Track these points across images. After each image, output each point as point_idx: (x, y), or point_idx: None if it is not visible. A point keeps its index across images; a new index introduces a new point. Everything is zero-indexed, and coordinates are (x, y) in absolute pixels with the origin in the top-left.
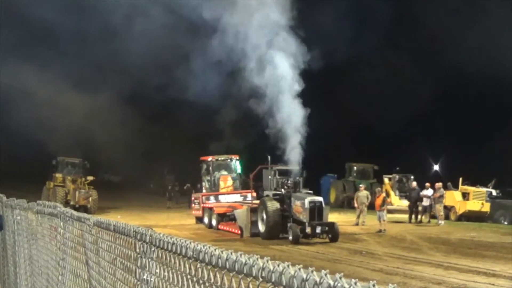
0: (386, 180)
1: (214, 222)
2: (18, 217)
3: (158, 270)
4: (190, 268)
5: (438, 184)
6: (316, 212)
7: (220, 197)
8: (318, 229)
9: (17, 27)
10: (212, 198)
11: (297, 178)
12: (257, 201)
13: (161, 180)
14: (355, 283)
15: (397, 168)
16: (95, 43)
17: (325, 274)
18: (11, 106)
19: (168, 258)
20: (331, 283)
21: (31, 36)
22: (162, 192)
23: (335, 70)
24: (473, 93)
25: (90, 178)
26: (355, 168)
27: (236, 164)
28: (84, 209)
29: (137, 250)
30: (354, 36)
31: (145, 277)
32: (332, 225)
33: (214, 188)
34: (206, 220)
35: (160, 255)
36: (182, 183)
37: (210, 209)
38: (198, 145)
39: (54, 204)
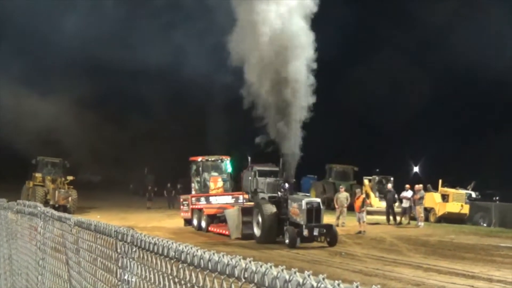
0: (366, 181)
1: (203, 224)
2: None
3: (139, 271)
4: (172, 269)
5: (418, 186)
6: (313, 213)
7: (211, 199)
8: (316, 231)
9: None
10: (202, 199)
11: (292, 180)
12: (249, 203)
13: (140, 181)
14: (338, 285)
15: (377, 170)
16: (64, 45)
17: (308, 275)
18: None
19: (150, 259)
20: (315, 284)
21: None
22: (142, 193)
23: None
24: (453, 97)
25: (69, 178)
26: (335, 169)
27: (227, 165)
28: (63, 208)
29: (118, 250)
30: (336, 35)
31: (126, 277)
32: (330, 227)
33: (204, 189)
34: (195, 222)
35: (141, 255)
36: (163, 183)
37: (200, 210)
38: (178, 146)
39: (35, 204)
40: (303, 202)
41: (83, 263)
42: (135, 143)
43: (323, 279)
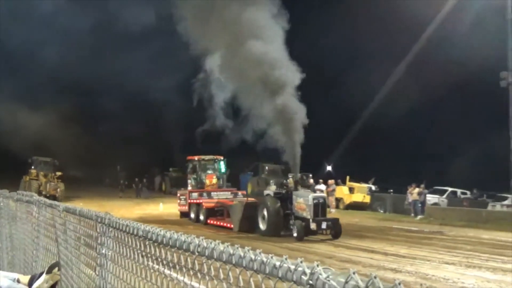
0: (290, 177)
1: (201, 217)
2: (1, 204)
3: (114, 246)
4: (140, 245)
5: (331, 181)
6: (319, 208)
7: (212, 194)
8: (324, 225)
9: None
10: (204, 194)
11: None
12: (252, 198)
13: (114, 176)
14: (271, 257)
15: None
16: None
17: (248, 250)
18: None
19: (123, 237)
20: (252, 257)
21: None
22: (115, 185)
23: None
24: (350, 107)
25: (58, 173)
26: (266, 168)
27: (220, 164)
28: (53, 198)
29: (98, 230)
30: None
31: (103, 251)
32: (336, 221)
33: (200, 185)
34: (192, 215)
35: (116, 234)
36: (132, 178)
37: (198, 204)
38: (143, 148)
39: (31, 194)
40: (310, 197)
41: (70, 240)
42: (110, 146)
43: (260, 252)
